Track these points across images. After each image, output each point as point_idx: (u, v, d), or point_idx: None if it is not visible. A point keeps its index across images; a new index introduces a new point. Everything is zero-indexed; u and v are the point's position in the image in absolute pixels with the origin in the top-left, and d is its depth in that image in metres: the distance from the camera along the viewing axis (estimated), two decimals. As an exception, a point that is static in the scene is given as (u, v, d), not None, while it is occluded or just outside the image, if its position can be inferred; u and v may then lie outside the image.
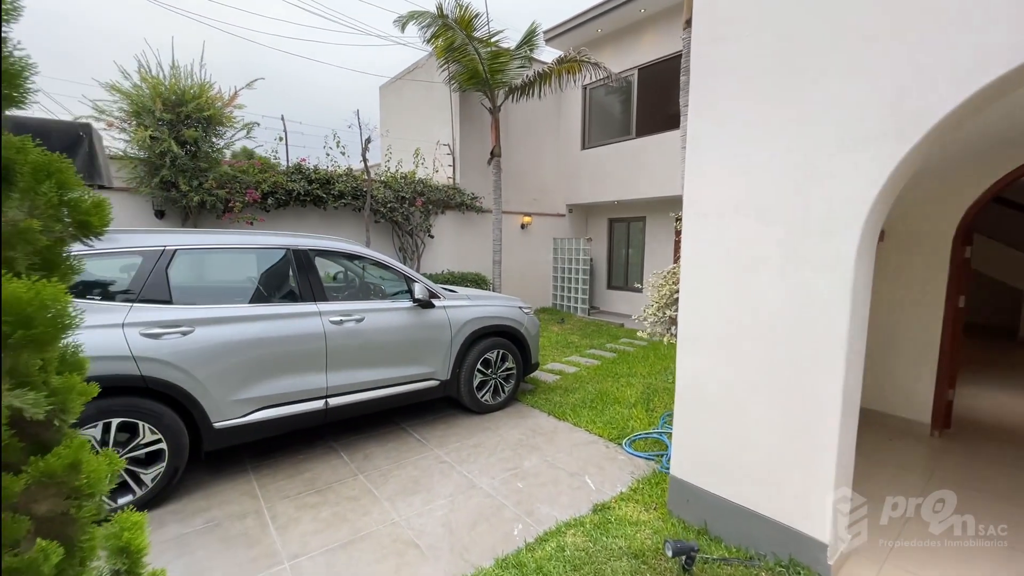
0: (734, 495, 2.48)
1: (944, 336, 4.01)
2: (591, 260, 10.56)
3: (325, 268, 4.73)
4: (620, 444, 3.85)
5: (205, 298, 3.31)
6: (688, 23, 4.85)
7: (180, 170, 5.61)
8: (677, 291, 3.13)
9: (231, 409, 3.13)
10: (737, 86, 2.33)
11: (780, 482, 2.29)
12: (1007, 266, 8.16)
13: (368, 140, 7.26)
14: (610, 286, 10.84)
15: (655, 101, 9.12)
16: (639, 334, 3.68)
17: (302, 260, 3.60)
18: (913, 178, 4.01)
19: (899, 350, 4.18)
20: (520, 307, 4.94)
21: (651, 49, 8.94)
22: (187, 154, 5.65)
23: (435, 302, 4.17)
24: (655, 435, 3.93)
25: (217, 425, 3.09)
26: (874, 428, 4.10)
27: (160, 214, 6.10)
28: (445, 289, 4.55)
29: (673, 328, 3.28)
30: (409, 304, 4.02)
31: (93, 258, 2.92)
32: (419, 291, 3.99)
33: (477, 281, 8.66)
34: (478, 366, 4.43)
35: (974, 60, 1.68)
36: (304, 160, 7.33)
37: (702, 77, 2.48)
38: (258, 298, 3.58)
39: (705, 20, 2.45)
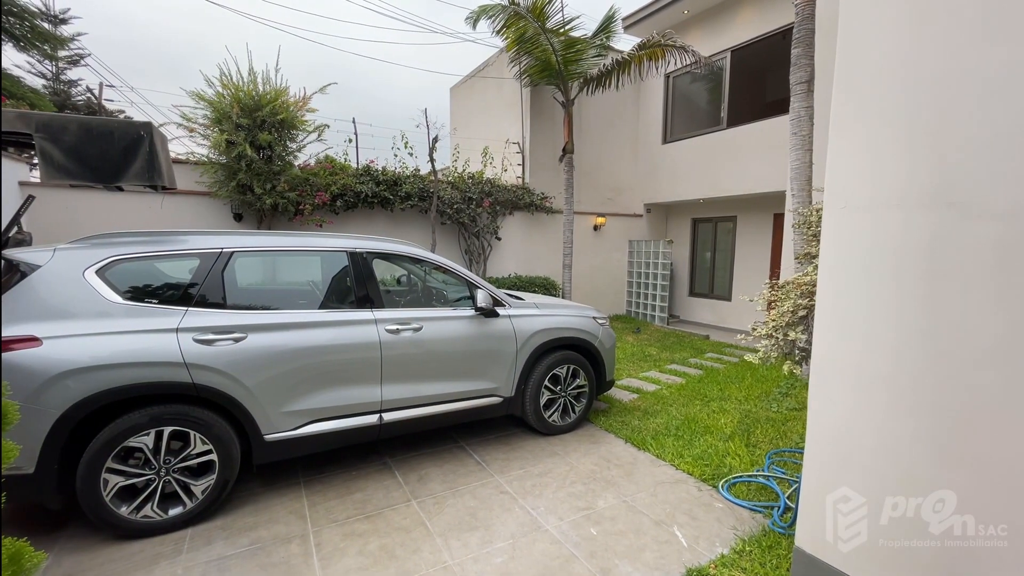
0: (894, 588, 1.83)
1: None
2: (671, 264, 9.75)
3: (387, 272, 4.56)
4: (716, 487, 3.24)
5: (258, 302, 3.19)
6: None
7: (255, 173, 5.75)
8: (803, 307, 2.49)
9: (282, 421, 2.96)
10: (919, 20, 1.71)
11: (972, 583, 1.63)
12: None
13: (435, 139, 7.13)
14: (692, 293, 9.94)
15: (751, 87, 8.19)
16: (747, 357, 3.04)
17: (359, 263, 3.39)
18: None
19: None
20: (594, 317, 4.45)
21: (747, 28, 8.02)
22: (262, 158, 5.79)
23: (499, 311, 3.81)
24: (761, 479, 3.27)
25: (268, 437, 2.93)
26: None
27: (238, 217, 6.33)
28: (511, 296, 4.18)
29: (797, 354, 2.64)
30: (471, 312, 3.68)
31: (158, 260, 2.88)
32: (482, 298, 3.64)
33: (545, 286, 8.25)
34: (546, 382, 4.00)
35: None
36: (372, 162, 7.35)
37: (855, 17, 1.88)
38: (312, 303, 3.42)
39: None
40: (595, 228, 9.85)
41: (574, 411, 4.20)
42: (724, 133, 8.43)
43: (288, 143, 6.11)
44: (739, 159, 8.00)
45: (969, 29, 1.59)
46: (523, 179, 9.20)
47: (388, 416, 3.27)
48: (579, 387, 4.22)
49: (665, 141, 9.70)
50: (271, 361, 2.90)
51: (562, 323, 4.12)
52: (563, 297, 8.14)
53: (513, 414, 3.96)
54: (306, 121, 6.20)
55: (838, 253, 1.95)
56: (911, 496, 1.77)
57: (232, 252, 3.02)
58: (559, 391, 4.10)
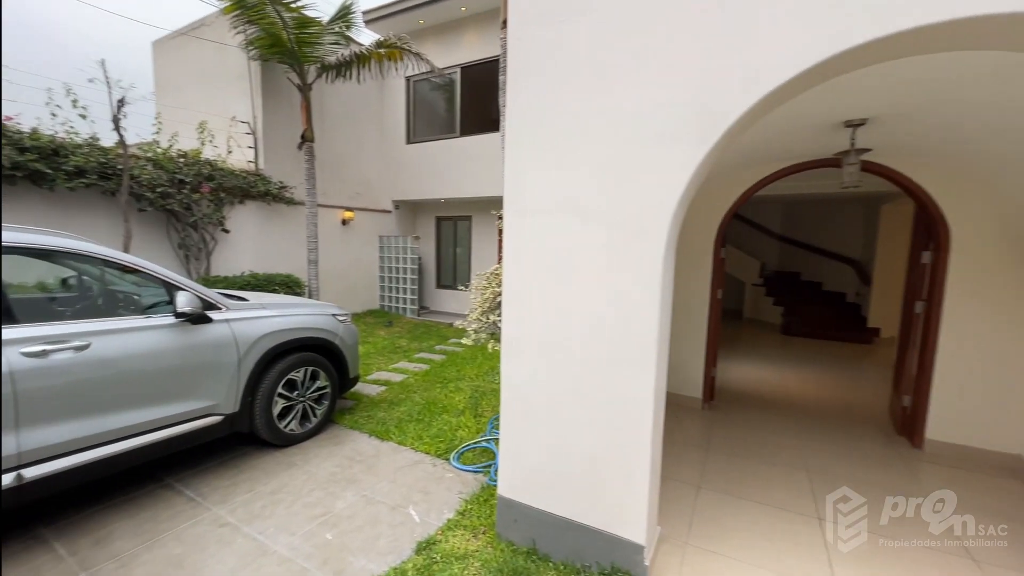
0: (560, 509, 2.36)
1: (710, 323, 4.73)
2: (419, 259, 10.12)
3: (49, 274, 3.32)
4: (448, 459, 3.54)
5: None
6: (505, 23, 4.76)
7: None
8: (499, 294, 2.94)
9: None
10: (554, 81, 2.18)
11: (601, 489, 2.24)
12: (735, 263, 10.45)
13: (121, 102, 5.47)
14: (439, 285, 10.56)
15: (478, 102, 9.09)
16: (463, 341, 3.40)
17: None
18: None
19: (680, 338, 4.81)
20: (334, 314, 4.23)
21: (473, 49, 8.87)
22: None
23: (213, 315, 3.22)
24: (483, 443, 3.73)
25: None
26: (665, 407, 4.63)
27: None
28: (228, 297, 3.59)
29: (498, 334, 3.09)
30: (170, 320, 3.00)
31: None
32: (185, 302, 3.00)
33: (288, 284, 7.42)
34: (280, 389, 3.60)
35: (749, 76, 1.77)
36: (11, 119, 5.16)
37: (519, 70, 2.28)
38: None
39: (519, 17, 2.24)
40: (344, 222, 9.38)
41: (315, 415, 3.93)
42: (459, 140, 9.17)
43: None
44: (472, 165, 8.85)
45: (587, 84, 2.12)
46: (256, 164, 8.00)
47: (33, 472, 2.38)
48: (320, 389, 3.96)
49: (409, 141, 9.93)
50: None
51: (296, 323, 3.78)
52: (310, 296, 7.49)
53: (240, 431, 3.44)
54: None
55: (514, 248, 2.36)
56: (561, 432, 2.31)
57: None
58: (297, 397, 3.76)
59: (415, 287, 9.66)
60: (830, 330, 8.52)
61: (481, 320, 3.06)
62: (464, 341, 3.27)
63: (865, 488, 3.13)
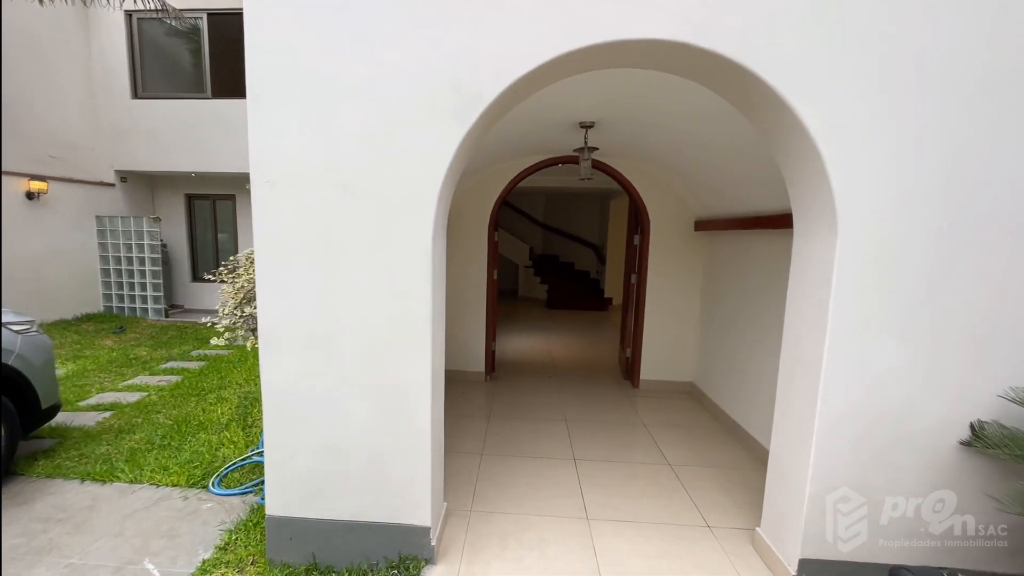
0: (341, 512, 2.16)
1: (488, 302, 5.07)
2: (165, 247, 7.98)
3: None
4: (208, 487, 2.88)
5: None
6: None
7: None
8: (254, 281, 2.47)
9: None
10: (310, 22, 1.88)
11: (385, 481, 2.13)
12: (510, 248, 11.60)
13: None
14: (196, 278, 8.55)
15: (236, 58, 7.51)
16: (212, 342, 2.76)
17: None
18: (463, 180, 4.84)
19: (463, 318, 5.02)
20: (8, 324, 2.92)
21: (224, -4, 7.25)
22: None
23: None
24: (255, 458, 3.16)
25: None
26: (452, 386, 4.81)
27: None
28: None
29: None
30: None
31: None
32: None
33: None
34: None
35: (507, 57, 1.85)
36: None
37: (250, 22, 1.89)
38: None
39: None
40: (30, 196, 6.63)
41: (-27, 472, 2.67)
42: (212, 103, 7.47)
43: None
44: (230, 134, 7.29)
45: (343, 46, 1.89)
46: None
47: None
48: (-19, 434, 2.70)
49: (137, 95, 7.60)
50: None
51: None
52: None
53: None
54: None
55: (266, 225, 2.00)
56: (340, 430, 2.10)
57: None
58: (-70, 453, 2.46)
59: (158, 282, 7.58)
60: (580, 301, 10.28)
61: (235, 315, 2.52)
62: (215, 342, 2.65)
63: (602, 424, 3.89)
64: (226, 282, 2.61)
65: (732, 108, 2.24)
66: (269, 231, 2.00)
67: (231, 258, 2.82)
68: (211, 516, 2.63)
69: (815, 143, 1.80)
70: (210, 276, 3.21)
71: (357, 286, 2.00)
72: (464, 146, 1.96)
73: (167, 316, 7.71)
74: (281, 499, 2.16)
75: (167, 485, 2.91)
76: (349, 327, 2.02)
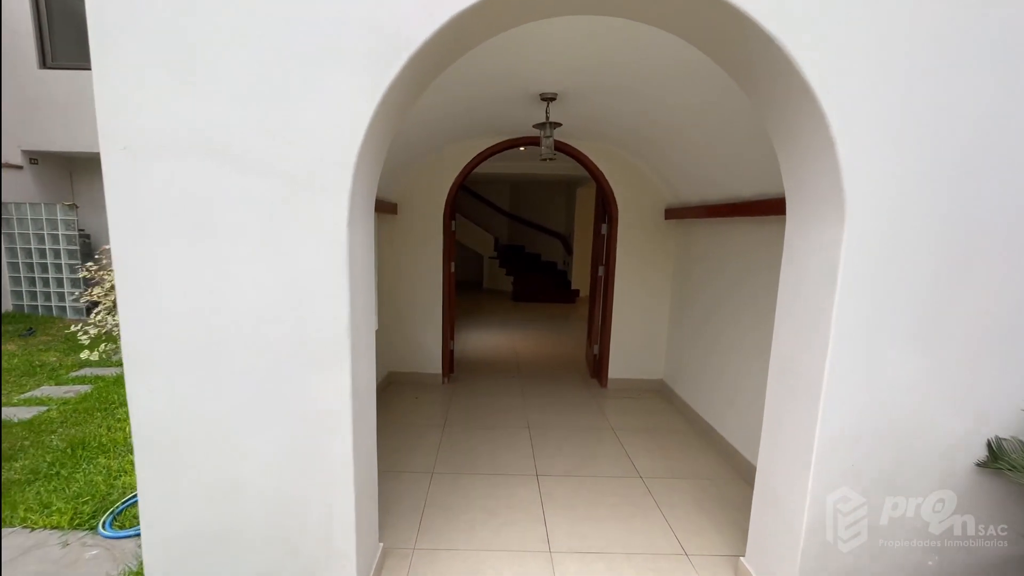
0: (240, 571, 1.70)
1: (444, 297, 4.61)
2: (87, 237, 7.06)
3: None
4: (96, 527, 2.35)
5: None
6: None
7: None
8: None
9: None
10: None
11: (298, 529, 1.69)
12: (473, 238, 11.13)
13: None
14: (126, 271, 7.65)
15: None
16: (83, 355, 2.21)
17: None
18: (415, 169, 4.34)
19: (415, 315, 4.56)
20: None
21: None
22: None
23: None
24: (160, 489, 2.63)
25: None
26: (404, 390, 4.36)
27: None
28: None
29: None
30: None
31: None
32: None
33: None
34: None
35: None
36: None
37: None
38: None
39: None
40: (-90, 178, 5.63)
41: None
42: (137, 78, 6.58)
43: None
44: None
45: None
46: None
47: None
48: None
49: (47, 65, 6.62)
50: None
51: None
52: None
53: None
54: None
55: (122, 209, 1.52)
56: (236, 468, 1.64)
57: None
58: None
59: (77, 276, 6.69)
60: (547, 293, 9.95)
61: (109, 321, 1.99)
62: (87, 356, 2.11)
63: (569, 431, 3.56)
64: (96, 281, 2.06)
65: (705, 67, 1.89)
66: (128, 213, 1.51)
67: (103, 248, 2.26)
68: (94, 568, 2.12)
69: (820, 104, 1.45)
70: (86, 272, 2.62)
71: (250, 285, 1.53)
72: (390, 103, 1.51)
73: (88, 315, 6.84)
74: (161, 566, 1.68)
75: (45, 527, 2.36)
76: (241, 338, 1.56)
